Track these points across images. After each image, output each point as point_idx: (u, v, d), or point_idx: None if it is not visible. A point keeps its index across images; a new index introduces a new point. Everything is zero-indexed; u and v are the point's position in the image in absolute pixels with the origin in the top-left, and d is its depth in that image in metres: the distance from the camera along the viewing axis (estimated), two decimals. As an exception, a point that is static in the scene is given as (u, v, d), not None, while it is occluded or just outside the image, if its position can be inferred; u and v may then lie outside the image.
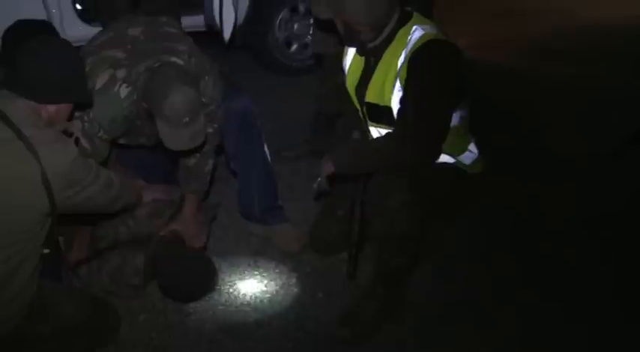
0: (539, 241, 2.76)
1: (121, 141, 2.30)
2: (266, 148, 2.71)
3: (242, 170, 2.70)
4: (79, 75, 1.83)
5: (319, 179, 2.21)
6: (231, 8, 3.81)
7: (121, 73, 2.09)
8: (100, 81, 2.08)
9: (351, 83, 2.31)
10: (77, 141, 2.03)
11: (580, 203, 3.06)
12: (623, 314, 2.36)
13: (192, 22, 3.83)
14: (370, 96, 2.19)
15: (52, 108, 1.74)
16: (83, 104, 1.95)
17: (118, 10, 3.24)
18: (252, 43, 4.25)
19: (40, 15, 3.32)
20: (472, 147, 2.28)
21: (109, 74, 2.09)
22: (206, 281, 2.37)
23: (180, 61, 2.13)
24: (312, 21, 3.60)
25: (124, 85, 2.08)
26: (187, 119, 1.96)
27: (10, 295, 1.71)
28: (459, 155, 2.23)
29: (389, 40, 2.10)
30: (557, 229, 2.85)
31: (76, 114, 2.09)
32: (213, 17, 3.79)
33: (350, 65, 2.31)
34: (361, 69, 2.25)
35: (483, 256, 2.66)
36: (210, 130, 2.25)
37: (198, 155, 2.36)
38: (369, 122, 2.28)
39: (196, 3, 3.96)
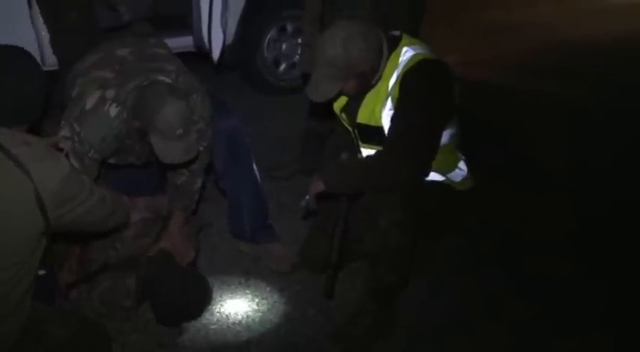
0: (529, 256, 2.78)
1: (111, 160, 2.30)
2: (255, 167, 2.72)
3: (231, 189, 2.72)
4: (36, 95, 1.75)
5: (307, 198, 2.23)
6: (220, 29, 3.84)
7: (110, 93, 2.11)
8: (90, 102, 2.11)
9: (337, 106, 2.34)
10: (67, 157, 2.03)
11: (567, 216, 3.09)
12: (615, 327, 2.38)
13: (182, 42, 3.85)
14: (362, 118, 2.21)
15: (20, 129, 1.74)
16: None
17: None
18: (241, 63, 4.28)
19: (29, 37, 3.35)
20: (462, 165, 2.30)
21: (98, 94, 2.11)
22: (202, 299, 2.37)
23: (168, 80, 2.15)
24: (299, 41, 3.63)
25: (114, 104, 2.11)
26: (181, 131, 2.00)
27: (4, 316, 1.70)
28: (448, 173, 2.25)
29: (384, 68, 2.12)
30: (545, 243, 2.87)
31: (67, 134, 2.10)
32: (202, 38, 3.82)
33: None
34: None
35: (474, 272, 2.67)
36: (200, 148, 2.27)
37: (187, 173, 2.38)
38: (360, 142, 2.30)
39: (185, 24, 4.01)
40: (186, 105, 2.06)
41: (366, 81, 2.12)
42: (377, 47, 2.06)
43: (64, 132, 2.12)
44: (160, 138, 2.01)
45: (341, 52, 2.00)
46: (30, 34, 3.38)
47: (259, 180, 2.75)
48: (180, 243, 2.43)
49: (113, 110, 2.11)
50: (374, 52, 2.05)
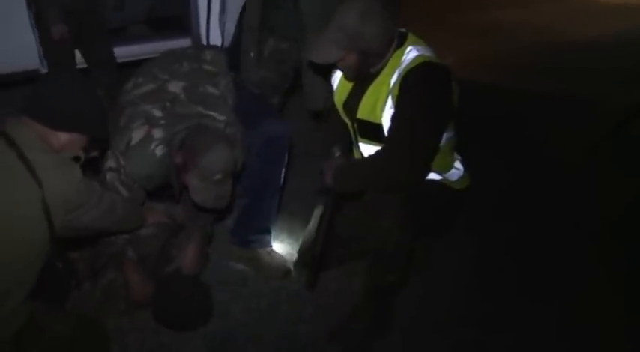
0: (528, 253, 2.82)
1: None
2: (283, 176, 2.64)
3: (256, 191, 2.63)
4: (97, 112, 1.87)
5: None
6: (218, 32, 3.87)
7: (158, 133, 2.14)
8: (136, 137, 2.13)
9: (339, 100, 2.35)
10: (83, 167, 2.02)
11: (567, 213, 3.14)
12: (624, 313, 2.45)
13: (179, 44, 3.87)
14: (362, 113, 2.22)
15: (64, 136, 1.77)
16: (100, 141, 1.96)
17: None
18: (239, 65, 4.27)
19: (29, 39, 3.37)
20: (458, 164, 2.32)
21: (144, 131, 2.14)
22: (203, 314, 2.37)
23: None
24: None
25: (161, 145, 2.13)
26: (220, 176, 2.02)
27: (3, 318, 1.71)
28: (445, 172, 2.26)
29: (387, 62, 2.14)
30: (545, 241, 2.92)
31: (113, 165, 2.15)
32: (200, 40, 3.85)
33: (338, 83, 2.35)
34: (350, 87, 2.29)
35: (472, 271, 2.70)
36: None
37: None
38: (359, 137, 2.31)
39: (182, 25, 4.03)
40: (232, 154, 2.08)
41: (367, 63, 2.13)
42: (390, 32, 2.09)
43: (111, 163, 2.16)
44: (198, 178, 2.03)
45: (357, 19, 2.02)
46: (30, 36, 3.40)
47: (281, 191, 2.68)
48: (195, 262, 2.46)
49: (159, 150, 2.13)
50: (385, 35, 2.07)
